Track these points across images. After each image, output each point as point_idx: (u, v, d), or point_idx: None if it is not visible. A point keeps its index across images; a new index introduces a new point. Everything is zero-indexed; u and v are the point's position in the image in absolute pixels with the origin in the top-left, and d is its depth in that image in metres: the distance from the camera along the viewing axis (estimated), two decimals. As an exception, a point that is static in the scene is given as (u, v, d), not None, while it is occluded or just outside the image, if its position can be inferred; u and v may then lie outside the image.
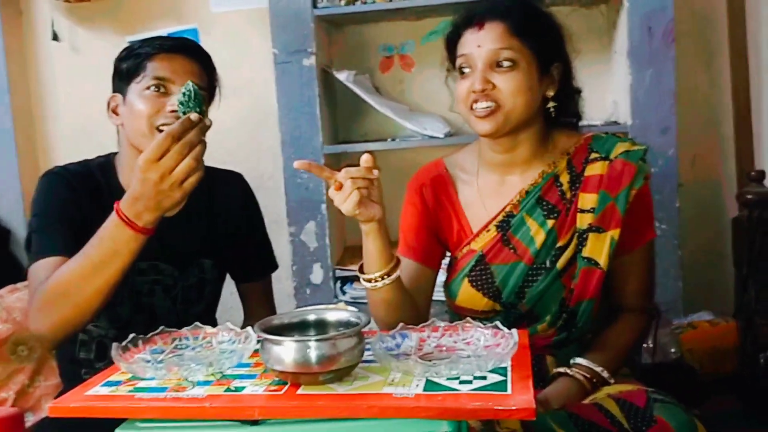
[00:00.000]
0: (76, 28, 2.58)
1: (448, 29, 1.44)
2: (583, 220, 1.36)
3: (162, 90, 1.41)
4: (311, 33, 2.21)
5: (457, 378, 1.00)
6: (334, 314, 1.12)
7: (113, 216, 1.21)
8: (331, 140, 2.35)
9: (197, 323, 1.24)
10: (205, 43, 2.50)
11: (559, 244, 1.38)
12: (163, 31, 2.44)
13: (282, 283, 2.45)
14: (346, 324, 1.08)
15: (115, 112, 1.47)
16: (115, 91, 1.48)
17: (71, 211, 1.39)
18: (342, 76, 2.28)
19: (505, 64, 1.33)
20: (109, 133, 2.52)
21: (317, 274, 2.28)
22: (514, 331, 1.10)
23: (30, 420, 1.67)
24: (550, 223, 1.39)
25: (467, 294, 1.43)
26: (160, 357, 1.14)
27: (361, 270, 1.36)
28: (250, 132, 2.53)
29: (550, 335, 1.40)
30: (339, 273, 2.29)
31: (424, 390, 0.97)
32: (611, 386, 1.32)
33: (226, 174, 1.62)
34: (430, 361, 1.05)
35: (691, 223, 2.28)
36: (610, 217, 1.35)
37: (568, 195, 1.39)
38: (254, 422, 0.96)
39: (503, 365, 1.03)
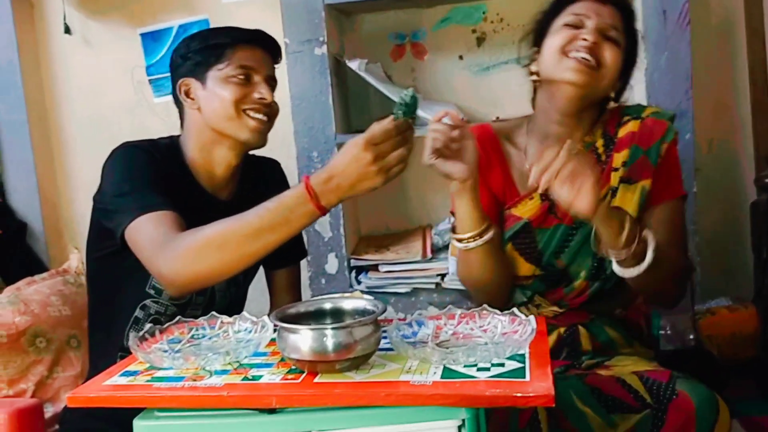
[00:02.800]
0: (87, 21, 2.58)
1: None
2: (615, 178, 1.42)
3: (246, 78, 1.48)
4: (322, 22, 2.20)
5: (475, 365, 0.99)
6: (350, 302, 1.12)
7: (300, 187, 1.23)
8: (343, 129, 2.34)
9: (213, 313, 1.25)
10: (217, 34, 2.50)
11: None
12: (174, 23, 2.44)
13: (297, 273, 2.46)
14: (363, 312, 1.08)
15: (188, 96, 1.51)
16: (184, 75, 1.51)
17: (156, 175, 1.42)
18: (354, 64, 2.26)
19: (613, 39, 1.39)
20: (121, 124, 2.55)
21: (332, 264, 2.27)
22: (531, 317, 1.10)
23: (49, 411, 1.69)
24: None
25: (510, 259, 1.47)
26: (177, 347, 1.15)
27: (454, 231, 1.41)
28: (263, 122, 2.53)
29: (584, 288, 1.45)
30: (354, 262, 2.29)
31: (442, 377, 0.96)
32: (636, 364, 1.33)
33: (267, 161, 1.70)
34: (447, 348, 1.05)
35: (708, 208, 2.25)
36: (641, 168, 1.41)
37: (603, 158, 1.45)
38: (271, 410, 0.97)
39: (521, 352, 1.03)
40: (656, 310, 1.63)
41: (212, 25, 2.48)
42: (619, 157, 1.43)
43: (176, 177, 1.48)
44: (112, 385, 1.03)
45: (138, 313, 1.48)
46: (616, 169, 1.43)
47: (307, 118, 2.24)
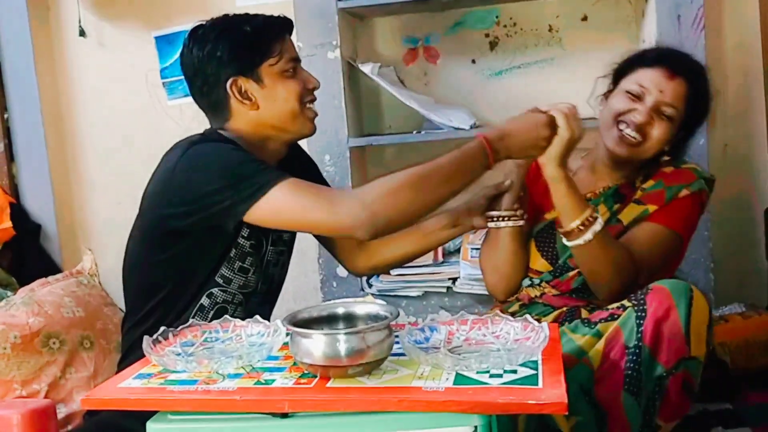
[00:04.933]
0: (102, 23, 2.60)
1: (638, 54, 1.60)
2: (632, 202, 1.53)
3: (294, 69, 1.45)
4: (335, 26, 2.20)
5: (487, 372, 0.99)
6: (362, 307, 1.12)
7: (478, 141, 1.32)
8: (356, 133, 2.34)
9: (226, 316, 1.25)
10: (230, 37, 2.51)
11: (616, 218, 1.53)
12: (188, 26, 2.44)
13: (308, 276, 2.46)
14: (375, 317, 1.08)
15: (244, 95, 1.42)
16: (234, 74, 1.41)
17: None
18: (367, 68, 2.27)
19: (667, 116, 1.49)
20: (135, 127, 2.57)
21: (343, 267, 2.27)
22: (544, 324, 1.10)
23: (62, 411, 1.70)
24: (616, 206, 1.55)
25: (530, 254, 1.58)
26: (191, 350, 1.15)
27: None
28: (275, 125, 2.53)
29: (573, 276, 1.53)
30: (365, 266, 2.29)
31: (454, 384, 0.96)
32: None
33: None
34: (459, 354, 1.05)
35: (722, 215, 2.23)
36: (655, 197, 1.51)
37: (635, 188, 1.56)
38: (284, 415, 0.97)
39: (534, 359, 1.02)
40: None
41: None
42: (644, 187, 1.54)
43: None
44: (125, 388, 1.03)
45: (204, 300, 1.43)
46: (635, 198, 1.53)
47: (319, 122, 2.22)
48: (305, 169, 1.61)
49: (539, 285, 1.57)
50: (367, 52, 2.46)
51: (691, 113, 1.52)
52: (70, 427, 1.63)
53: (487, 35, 2.40)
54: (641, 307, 1.28)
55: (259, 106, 1.43)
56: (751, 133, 2.33)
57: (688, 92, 1.50)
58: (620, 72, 1.57)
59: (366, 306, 1.12)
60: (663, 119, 1.49)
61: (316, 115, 1.50)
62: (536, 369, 0.99)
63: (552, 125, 1.35)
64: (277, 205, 1.31)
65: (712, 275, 2.10)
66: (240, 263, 1.43)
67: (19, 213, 2.51)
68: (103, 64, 2.61)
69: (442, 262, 2.24)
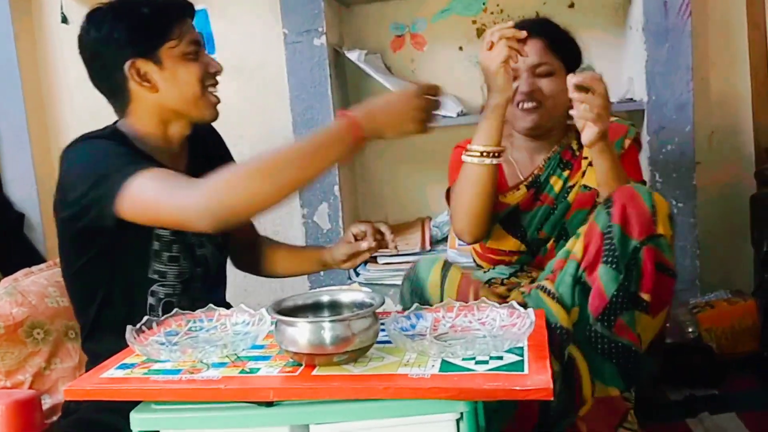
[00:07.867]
0: (85, 10, 2.53)
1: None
2: (585, 164, 1.67)
3: (196, 52, 1.42)
4: (321, 12, 2.19)
5: (473, 358, 0.99)
6: (348, 295, 1.11)
7: (344, 121, 1.24)
8: (342, 121, 2.32)
9: (211, 305, 1.24)
10: (216, 25, 2.48)
11: (570, 183, 1.67)
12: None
13: (295, 264, 2.45)
14: (361, 305, 1.07)
15: (143, 78, 1.39)
16: (132, 56, 1.38)
17: (129, 151, 1.36)
18: (353, 55, 2.25)
19: (545, 73, 1.62)
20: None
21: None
22: (530, 310, 1.10)
23: (47, 402, 1.68)
24: (565, 173, 1.68)
25: (498, 235, 1.69)
26: (175, 339, 1.14)
27: (470, 151, 1.58)
28: (262, 113, 2.52)
29: (552, 248, 1.66)
30: (352, 254, 2.28)
31: (440, 371, 0.96)
32: None
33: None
34: (445, 341, 1.05)
35: (708, 201, 2.24)
36: None
37: (577, 153, 1.69)
38: (269, 404, 0.96)
39: (519, 345, 1.02)
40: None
41: (211, 17, 2.47)
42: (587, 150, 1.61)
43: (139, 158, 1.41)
44: (108, 378, 1.02)
45: (150, 300, 1.43)
46: (585, 158, 1.66)
47: (305, 109, 2.23)
48: (213, 150, 1.60)
49: (522, 271, 1.68)
50: (353, 38, 2.45)
51: (566, 58, 1.64)
52: (54, 418, 1.62)
53: (474, 22, 2.39)
54: (609, 201, 1.40)
55: (159, 89, 1.40)
56: (737, 119, 2.34)
57: (545, 44, 1.61)
58: None
59: (351, 294, 1.11)
60: (543, 77, 1.61)
61: (218, 101, 1.46)
62: (522, 355, 0.99)
63: (422, 93, 1.28)
64: (135, 198, 1.25)
65: (698, 262, 2.11)
66: (168, 253, 1.42)
67: (1, 202, 2.48)
68: (87, 52, 2.58)
69: (430, 251, 2.23)
